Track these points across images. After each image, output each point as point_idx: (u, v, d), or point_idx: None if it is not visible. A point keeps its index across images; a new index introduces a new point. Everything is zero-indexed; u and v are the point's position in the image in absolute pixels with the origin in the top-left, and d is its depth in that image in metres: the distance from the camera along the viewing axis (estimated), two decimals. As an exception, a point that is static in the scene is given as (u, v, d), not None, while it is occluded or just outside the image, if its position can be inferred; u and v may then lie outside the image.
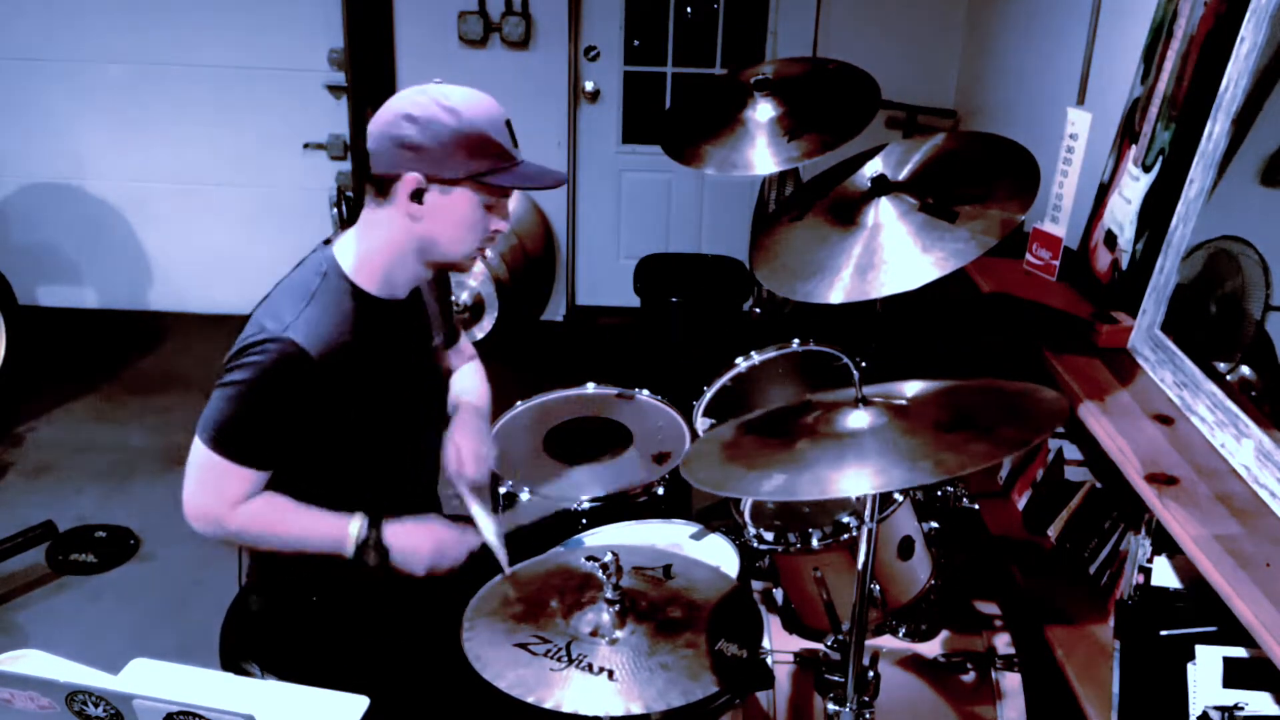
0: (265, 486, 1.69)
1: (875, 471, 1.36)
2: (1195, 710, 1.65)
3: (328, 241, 1.77)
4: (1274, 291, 1.78)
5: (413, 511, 1.89)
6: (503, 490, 2.26)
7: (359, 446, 1.76)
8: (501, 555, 1.78)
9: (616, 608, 1.58)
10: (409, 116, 1.63)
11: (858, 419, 1.47)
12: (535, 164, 1.73)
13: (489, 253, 4.12)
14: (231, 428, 1.63)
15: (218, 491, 1.66)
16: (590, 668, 1.50)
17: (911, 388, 1.59)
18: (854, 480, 1.36)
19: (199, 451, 1.66)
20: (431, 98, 1.64)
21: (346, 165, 4.54)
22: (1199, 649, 1.65)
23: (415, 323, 1.87)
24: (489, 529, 1.80)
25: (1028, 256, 2.60)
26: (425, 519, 1.79)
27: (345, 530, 1.71)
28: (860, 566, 1.56)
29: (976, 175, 1.96)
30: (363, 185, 1.75)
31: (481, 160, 1.65)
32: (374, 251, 1.72)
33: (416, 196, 1.65)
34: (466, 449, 1.88)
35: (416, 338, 1.89)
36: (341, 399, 1.68)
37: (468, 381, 2.07)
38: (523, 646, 1.55)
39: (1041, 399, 1.49)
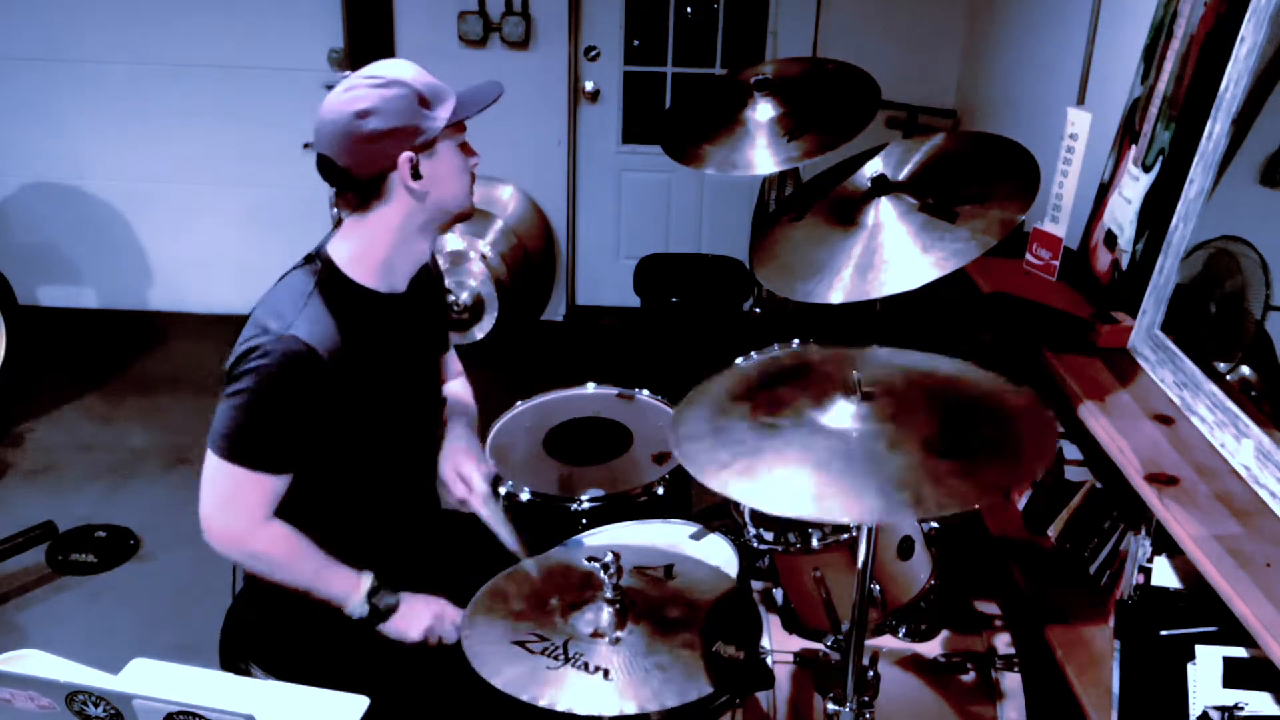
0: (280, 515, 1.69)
1: (852, 496, 1.31)
2: (1195, 710, 1.65)
3: (317, 252, 1.75)
4: (1274, 291, 1.78)
5: (411, 507, 1.90)
6: (503, 490, 2.26)
7: (364, 443, 1.75)
8: (514, 545, 1.83)
9: (616, 607, 1.58)
10: (361, 112, 1.60)
11: (846, 413, 1.43)
12: (468, 88, 1.72)
13: (489, 254, 4.16)
14: (245, 433, 1.61)
15: (238, 506, 1.65)
16: (586, 667, 1.50)
17: (910, 358, 1.56)
18: (828, 502, 1.31)
19: (213, 466, 1.64)
20: (363, 87, 1.62)
21: (346, 165, 4.54)
22: (1199, 649, 1.65)
23: (415, 317, 1.86)
24: (501, 527, 1.86)
25: (1028, 256, 2.60)
26: (433, 599, 1.79)
27: (357, 583, 1.72)
28: (860, 566, 1.56)
29: (976, 175, 1.96)
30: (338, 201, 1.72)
31: (441, 107, 1.66)
32: (373, 246, 1.71)
33: (415, 174, 1.65)
34: (466, 470, 1.90)
35: (417, 332, 1.88)
36: (348, 395, 1.67)
37: (453, 400, 2.05)
38: (520, 644, 1.55)
39: (1035, 430, 1.44)
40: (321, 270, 1.70)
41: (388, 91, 1.62)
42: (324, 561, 1.71)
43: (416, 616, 1.75)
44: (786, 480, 1.35)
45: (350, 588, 1.72)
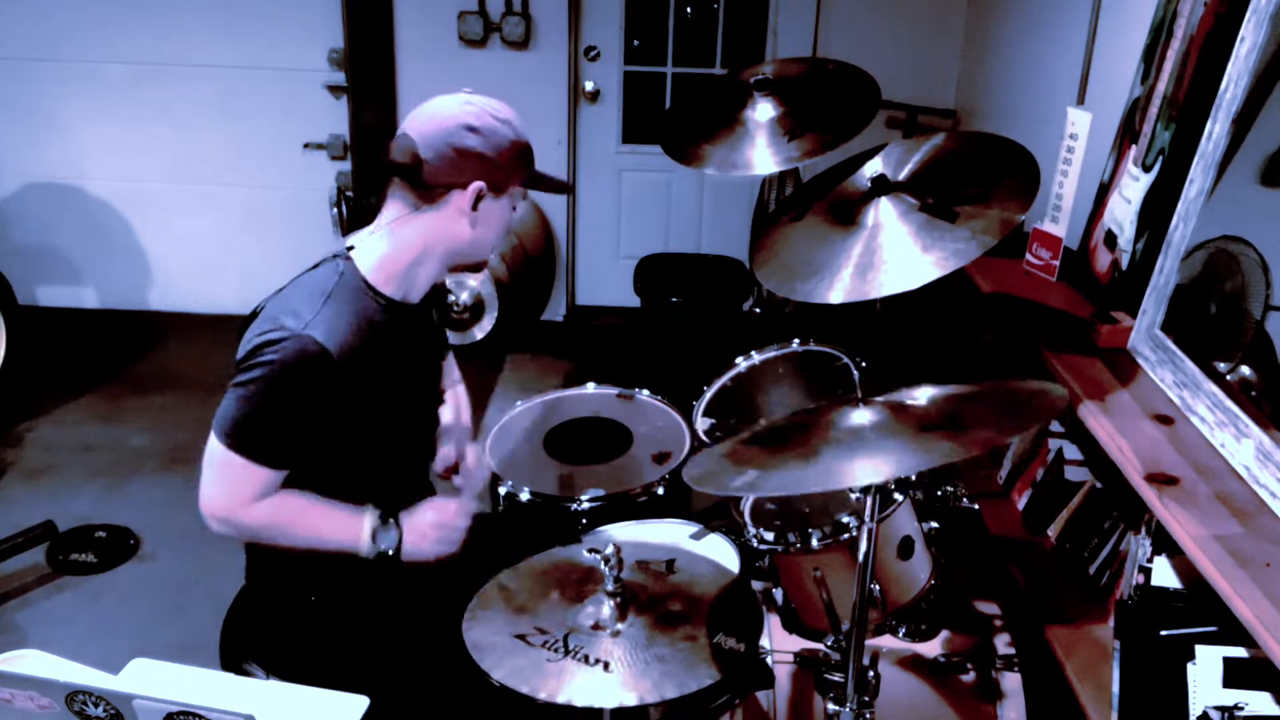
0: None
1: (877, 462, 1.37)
2: (1195, 710, 1.65)
3: (345, 251, 1.76)
4: (1274, 291, 1.78)
5: (409, 502, 1.91)
6: (503, 490, 2.27)
7: (363, 443, 1.76)
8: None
9: (617, 600, 1.59)
10: (470, 127, 1.66)
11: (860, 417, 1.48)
12: (543, 168, 1.81)
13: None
14: (250, 426, 1.62)
15: (234, 489, 1.66)
16: (586, 659, 1.50)
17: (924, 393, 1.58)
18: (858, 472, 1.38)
19: (216, 449, 1.65)
20: (482, 109, 1.69)
21: (346, 165, 4.53)
22: (1199, 649, 1.65)
23: (427, 328, 1.89)
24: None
25: (1028, 256, 2.60)
26: (425, 502, 1.81)
27: (360, 527, 1.72)
28: (860, 566, 1.56)
29: (976, 175, 1.96)
30: (370, 187, 1.75)
31: (527, 168, 1.75)
32: (401, 253, 1.72)
33: (476, 204, 1.69)
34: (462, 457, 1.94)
35: (426, 341, 1.90)
36: (354, 398, 1.67)
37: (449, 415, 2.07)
38: (521, 638, 1.55)
39: (1045, 397, 1.49)
40: (345, 271, 1.71)
41: (501, 127, 1.69)
42: (322, 515, 1.72)
43: (422, 536, 1.76)
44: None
45: (353, 536, 1.72)
